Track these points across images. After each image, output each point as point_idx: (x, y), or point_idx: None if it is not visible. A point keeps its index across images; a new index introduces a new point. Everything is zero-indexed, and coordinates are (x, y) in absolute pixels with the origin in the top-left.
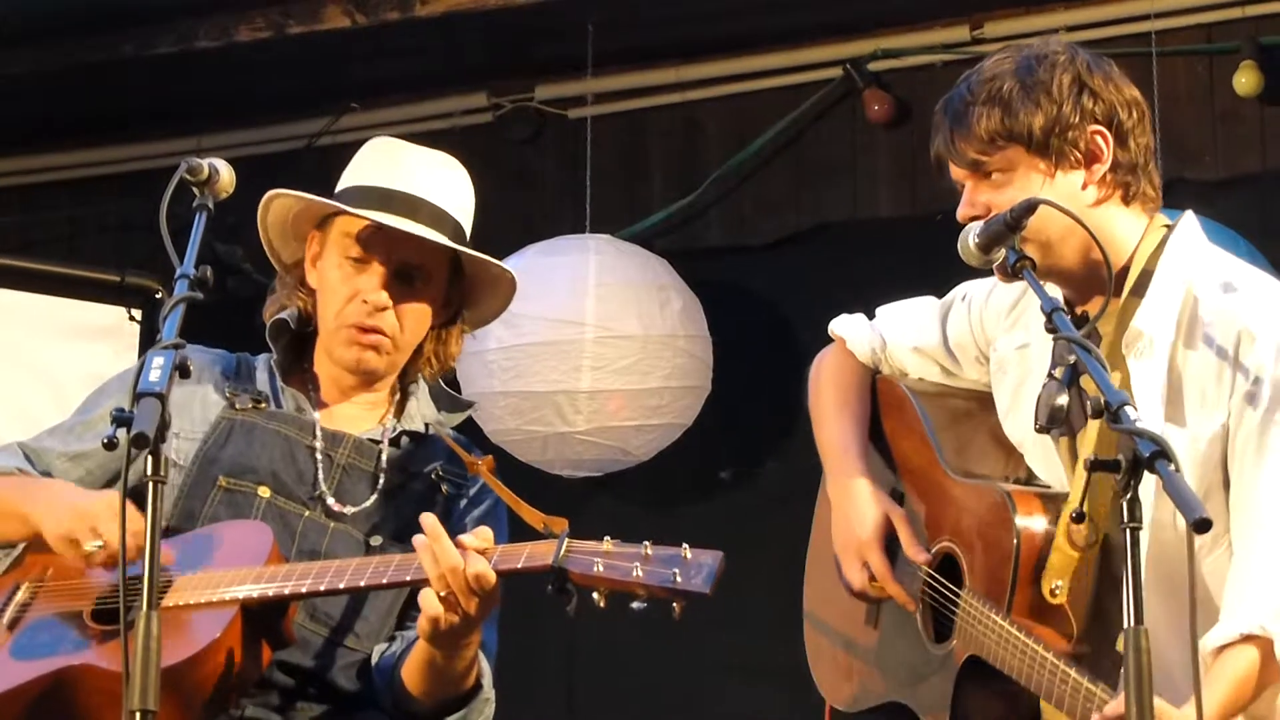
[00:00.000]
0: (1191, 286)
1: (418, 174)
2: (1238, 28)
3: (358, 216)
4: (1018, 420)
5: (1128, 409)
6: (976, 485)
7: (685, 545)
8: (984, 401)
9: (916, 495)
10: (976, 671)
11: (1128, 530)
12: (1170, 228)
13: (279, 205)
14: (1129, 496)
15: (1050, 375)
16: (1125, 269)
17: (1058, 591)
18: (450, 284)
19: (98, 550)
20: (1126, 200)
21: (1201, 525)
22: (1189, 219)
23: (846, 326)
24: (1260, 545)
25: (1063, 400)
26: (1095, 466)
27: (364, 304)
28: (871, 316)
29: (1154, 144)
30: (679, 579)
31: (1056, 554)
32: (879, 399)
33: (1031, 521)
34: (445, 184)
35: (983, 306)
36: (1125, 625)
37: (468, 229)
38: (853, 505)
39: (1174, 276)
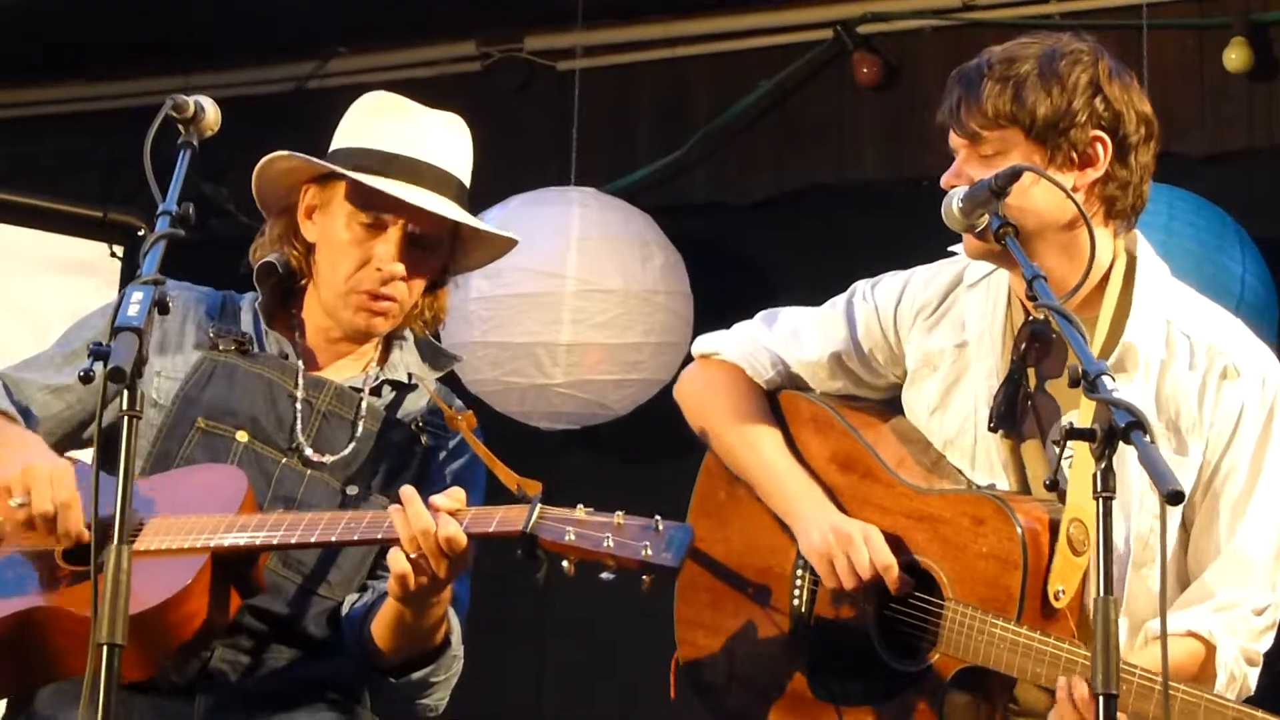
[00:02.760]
0: (1169, 316)
1: (426, 136)
2: (1229, 4)
3: (378, 189)
4: (946, 417)
5: (1105, 379)
6: (952, 495)
7: (658, 517)
8: (884, 409)
9: (854, 514)
10: (962, 680)
11: (1100, 500)
12: (1132, 255)
13: (283, 164)
14: (1103, 466)
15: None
16: (1099, 290)
17: (1060, 596)
18: (449, 246)
19: (19, 508)
20: (1107, 217)
21: (1174, 497)
22: (1145, 246)
23: (730, 346)
24: (1234, 569)
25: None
26: (1071, 435)
27: (378, 271)
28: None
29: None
30: (649, 552)
31: (1060, 558)
32: (784, 417)
33: (1034, 526)
34: (451, 145)
35: (894, 305)
36: (1095, 594)
37: (468, 186)
38: (823, 520)
39: (1152, 303)
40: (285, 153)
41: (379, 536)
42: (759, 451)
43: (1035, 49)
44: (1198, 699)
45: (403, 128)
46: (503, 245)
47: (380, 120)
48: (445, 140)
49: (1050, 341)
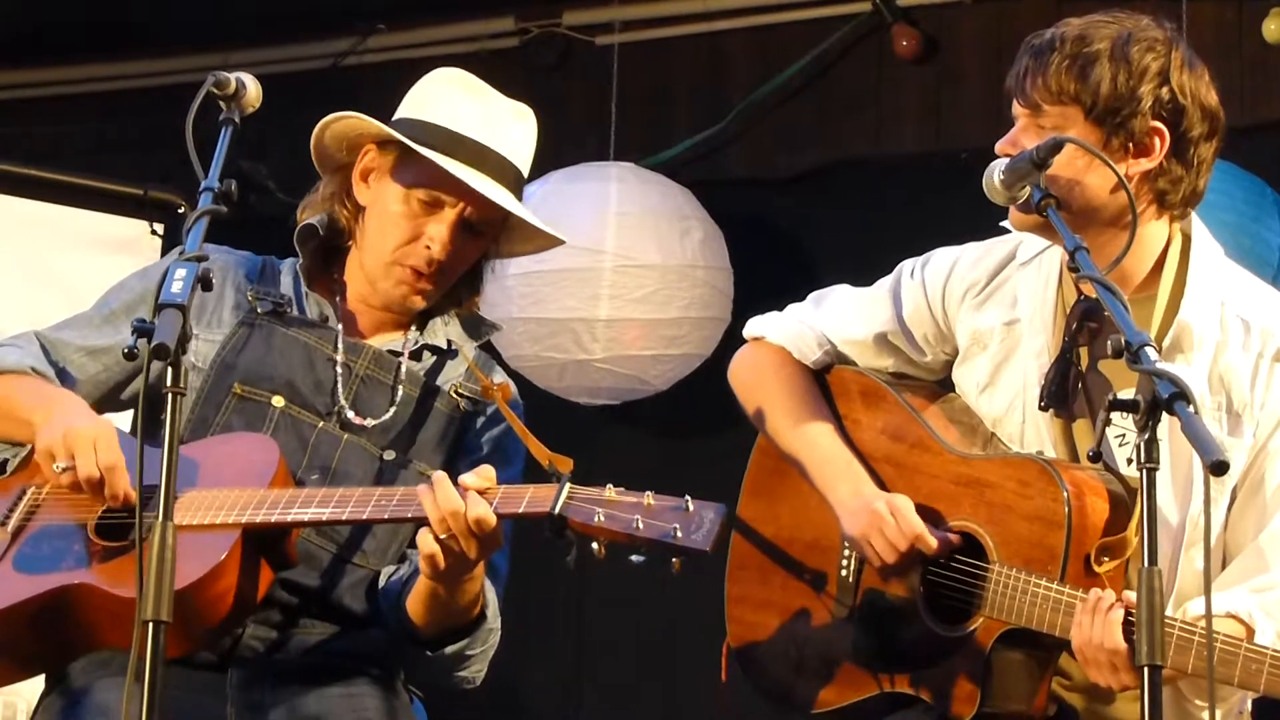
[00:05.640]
0: (1223, 298)
1: (497, 122)
2: None
3: (442, 168)
4: (995, 395)
5: (1148, 349)
6: (998, 459)
7: (688, 497)
8: (935, 388)
9: (903, 483)
10: (1008, 644)
11: (1144, 471)
12: (1187, 236)
13: (348, 124)
14: (1146, 438)
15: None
16: (1156, 272)
17: (1104, 560)
18: (496, 232)
19: (64, 472)
20: (1159, 209)
21: (1218, 468)
22: (1200, 227)
23: (777, 329)
24: (1275, 549)
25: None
26: (1114, 406)
27: (426, 249)
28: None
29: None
30: (679, 534)
31: (1129, 532)
32: (832, 393)
33: (1080, 489)
34: (518, 135)
35: (944, 284)
36: (1141, 565)
37: (526, 179)
38: (856, 503)
39: (1206, 284)
40: (354, 113)
41: (409, 515)
42: (802, 433)
43: (1111, 30)
44: (1236, 646)
45: (475, 110)
46: (547, 241)
47: (453, 98)
48: (514, 130)
49: (1103, 320)
